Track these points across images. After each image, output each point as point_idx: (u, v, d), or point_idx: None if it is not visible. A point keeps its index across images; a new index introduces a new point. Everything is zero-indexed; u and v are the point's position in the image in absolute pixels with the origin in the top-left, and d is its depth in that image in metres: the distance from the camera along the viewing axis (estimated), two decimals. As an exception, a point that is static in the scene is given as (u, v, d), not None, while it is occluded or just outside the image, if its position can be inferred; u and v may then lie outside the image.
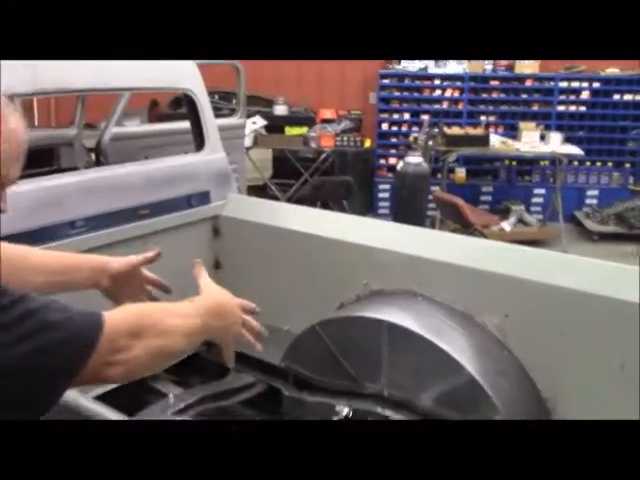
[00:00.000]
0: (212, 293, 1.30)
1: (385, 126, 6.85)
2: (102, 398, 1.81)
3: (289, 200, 5.94)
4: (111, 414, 1.31)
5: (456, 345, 1.77)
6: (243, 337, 1.34)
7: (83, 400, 1.36)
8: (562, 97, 6.65)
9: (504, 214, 6.07)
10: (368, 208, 6.72)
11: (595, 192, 6.74)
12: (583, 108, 6.67)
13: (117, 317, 1.01)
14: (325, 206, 6.09)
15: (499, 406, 1.67)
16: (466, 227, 5.16)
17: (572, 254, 5.43)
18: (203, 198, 2.38)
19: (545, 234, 6.03)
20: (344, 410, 1.88)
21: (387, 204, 6.74)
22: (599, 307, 1.70)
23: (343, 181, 5.94)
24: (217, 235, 2.48)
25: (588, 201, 6.72)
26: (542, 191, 6.69)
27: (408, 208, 4.11)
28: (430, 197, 5.34)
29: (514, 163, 6.79)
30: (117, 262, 1.39)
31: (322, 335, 1.95)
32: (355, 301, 2.11)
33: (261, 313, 2.43)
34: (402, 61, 6.71)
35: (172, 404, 1.93)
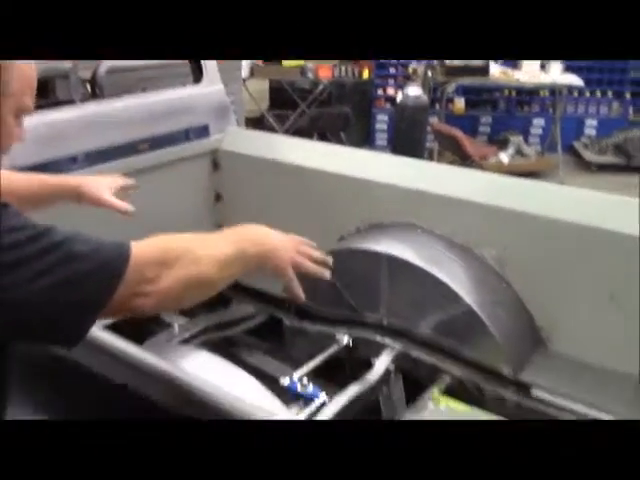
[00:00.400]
0: (245, 226, 1.25)
1: (383, 55, 6.70)
2: (111, 328, 1.86)
3: (286, 132, 5.89)
4: (120, 343, 1.35)
5: (455, 276, 1.81)
6: (301, 265, 1.29)
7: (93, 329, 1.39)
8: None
9: (502, 145, 6.04)
10: (365, 139, 6.66)
11: (594, 122, 6.68)
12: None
13: (144, 247, 0.99)
14: (322, 137, 6.05)
15: (496, 335, 1.72)
16: (464, 159, 5.15)
17: (569, 185, 5.46)
18: (202, 131, 2.37)
19: (543, 165, 6.01)
20: (344, 339, 1.94)
21: (385, 135, 6.69)
22: (594, 239, 1.72)
23: (341, 112, 5.88)
24: (217, 168, 2.48)
25: (587, 131, 6.67)
26: (541, 121, 6.62)
27: (407, 140, 4.08)
28: (428, 129, 5.30)
29: (513, 93, 6.70)
30: (89, 193, 1.45)
31: (323, 267, 1.98)
32: (355, 234, 2.13)
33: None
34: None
35: (177, 333, 1.99)
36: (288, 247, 1.28)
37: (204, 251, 1.07)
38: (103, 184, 1.48)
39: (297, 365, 2.13)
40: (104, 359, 1.35)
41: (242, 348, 2.21)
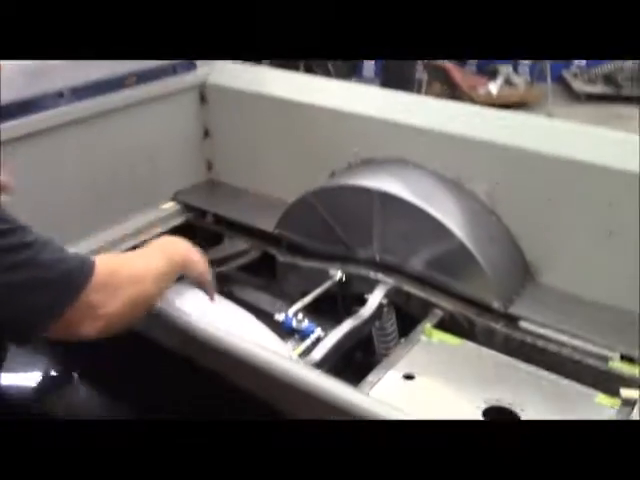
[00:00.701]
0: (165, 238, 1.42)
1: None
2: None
3: (272, 62, 5.74)
4: None
5: (446, 212, 1.81)
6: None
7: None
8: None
9: (492, 76, 5.96)
10: (353, 70, 6.54)
11: (584, 51, 6.58)
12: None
13: (99, 269, 1.00)
14: (309, 69, 5.93)
15: (487, 270, 1.75)
16: (453, 90, 5.09)
17: (558, 116, 5.44)
18: (189, 65, 2.31)
19: (532, 95, 5.95)
20: (337, 275, 1.96)
21: (372, 67, 6.57)
22: (589, 175, 1.73)
23: (327, 42, 5.72)
24: (204, 103, 2.44)
25: (576, 61, 6.58)
26: (531, 51, 6.52)
27: (397, 72, 4.01)
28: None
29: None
30: None
31: (314, 203, 1.98)
32: (346, 169, 2.12)
33: (252, 180, 2.47)
34: None
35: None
36: (200, 256, 1.44)
37: (144, 270, 1.12)
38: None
39: (289, 301, 2.17)
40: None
41: (235, 284, 2.24)
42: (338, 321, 2.03)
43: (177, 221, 2.38)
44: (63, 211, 2.02)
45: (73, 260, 0.96)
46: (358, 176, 1.97)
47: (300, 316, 1.74)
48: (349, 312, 2.08)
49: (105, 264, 1.04)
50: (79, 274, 0.95)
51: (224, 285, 2.19)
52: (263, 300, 2.15)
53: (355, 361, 1.89)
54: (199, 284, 1.43)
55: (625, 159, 1.67)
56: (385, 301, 1.82)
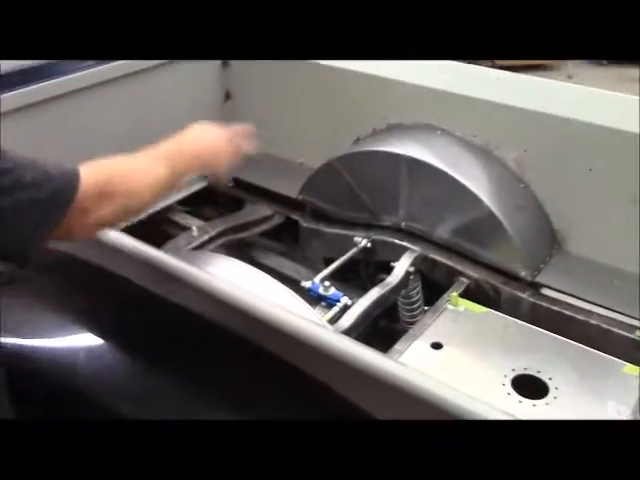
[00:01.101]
0: (187, 134, 1.31)
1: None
2: (127, 231, 1.87)
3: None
4: (140, 245, 1.34)
5: (475, 179, 1.80)
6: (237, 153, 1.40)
7: (111, 233, 1.39)
8: None
9: (511, 36, 5.83)
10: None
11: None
12: None
13: (89, 178, 1.01)
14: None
15: (515, 238, 1.74)
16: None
17: (578, 78, 5.34)
18: (212, 26, 2.27)
19: (552, 57, 5.83)
20: (362, 241, 1.95)
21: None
22: (618, 141, 1.70)
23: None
24: (226, 66, 2.40)
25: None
26: (552, 10, 6.37)
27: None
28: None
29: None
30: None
31: (340, 169, 1.97)
32: (372, 135, 2.09)
33: (274, 145, 2.44)
34: None
35: (196, 236, 1.99)
36: (222, 147, 1.36)
37: (139, 179, 1.11)
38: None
39: (312, 267, 2.17)
40: (127, 263, 1.34)
41: (257, 250, 2.23)
42: (362, 288, 2.04)
43: (198, 186, 2.37)
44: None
45: (61, 176, 0.98)
46: (385, 142, 1.95)
47: (327, 283, 1.74)
48: (372, 279, 2.09)
49: (99, 172, 1.06)
50: (67, 189, 0.97)
51: (247, 250, 2.20)
52: (286, 266, 2.15)
53: (379, 328, 1.89)
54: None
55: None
56: (412, 269, 1.81)
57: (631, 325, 1.64)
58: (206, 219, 2.32)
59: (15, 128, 1.48)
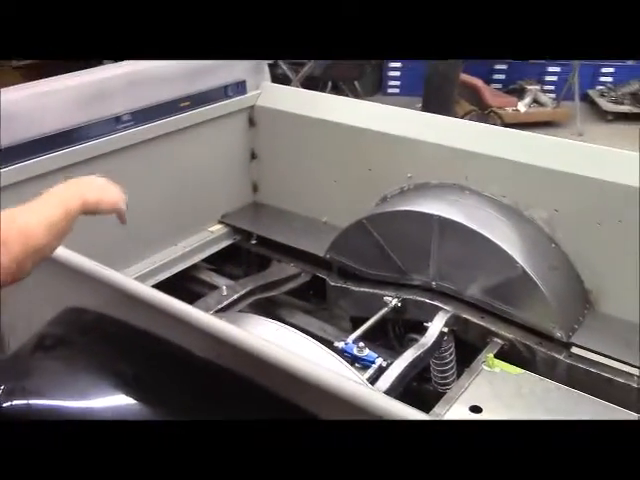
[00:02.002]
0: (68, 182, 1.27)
1: None
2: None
3: (300, 80, 5.77)
4: (174, 302, 1.33)
5: (506, 238, 1.80)
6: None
7: (143, 287, 1.38)
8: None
9: (519, 94, 5.94)
10: (377, 87, 6.55)
11: (610, 70, 6.56)
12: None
13: None
14: (335, 87, 5.94)
15: (549, 298, 1.73)
16: (483, 109, 5.08)
17: (588, 135, 5.41)
18: (240, 87, 2.32)
19: (560, 115, 5.92)
20: (392, 300, 1.94)
21: (397, 83, 6.57)
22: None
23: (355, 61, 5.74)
24: (252, 125, 2.44)
25: (602, 79, 6.56)
26: (556, 69, 6.50)
27: (438, 95, 3.99)
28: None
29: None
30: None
31: (370, 228, 1.97)
32: (399, 194, 2.11)
33: (298, 204, 2.46)
34: None
35: (226, 295, 1.99)
36: (110, 187, 1.31)
37: (35, 223, 1.09)
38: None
39: (338, 326, 2.16)
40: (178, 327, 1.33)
41: (285, 309, 2.22)
42: (390, 348, 2.02)
43: (224, 244, 2.38)
44: (116, 235, 2.02)
45: None
46: (414, 201, 1.96)
47: (361, 344, 1.72)
48: (400, 339, 2.08)
49: None
50: None
51: (274, 309, 2.19)
52: (312, 324, 2.13)
53: (411, 390, 1.86)
54: (115, 214, 1.37)
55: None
56: (445, 329, 1.80)
57: (671, 387, 1.62)
58: (232, 277, 2.33)
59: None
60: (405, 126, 2.13)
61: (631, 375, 1.64)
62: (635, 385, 1.62)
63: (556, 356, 1.72)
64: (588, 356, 1.72)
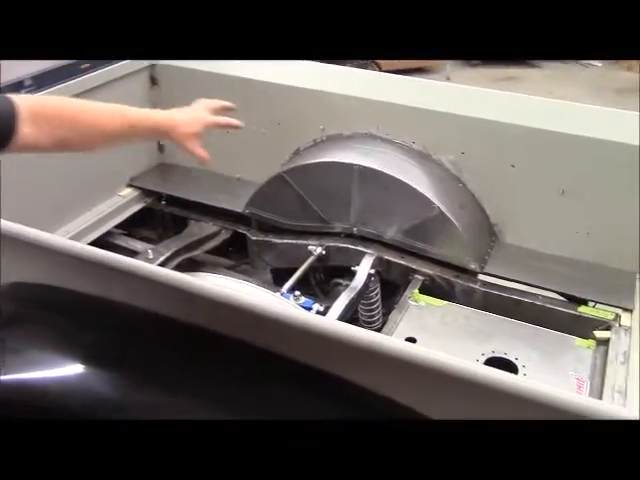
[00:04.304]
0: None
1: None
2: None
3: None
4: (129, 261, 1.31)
5: (421, 182, 1.92)
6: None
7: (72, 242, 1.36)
8: None
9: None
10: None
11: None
12: None
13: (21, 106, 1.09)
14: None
15: (464, 235, 1.88)
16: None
17: (456, 79, 5.71)
18: (139, 46, 2.24)
19: (432, 61, 6.19)
20: (317, 249, 2.02)
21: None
22: (545, 140, 1.89)
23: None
24: (154, 84, 2.38)
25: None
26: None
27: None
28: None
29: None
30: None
31: (290, 181, 2.02)
32: (313, 146, 2.17)
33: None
34: None
35: (152, 258, 1.98)
36: (191, 123, 1.46)
37: (90, 122, 1.23)
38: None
39: (261, 279, 2.22)
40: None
41: (205, 267, 2.24)
42: (312, 294, 2.11)
43: (137, 207, 2.34)
44: (26, 205, 1.93)
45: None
46: (331, 153, 2.03)
47: (297, 292, 1.79)
48: (321, 285, 2.18)
49: (49, 105, 1.18)
50: (7, 118, 1.07)
51: (198, 268, 2.20)
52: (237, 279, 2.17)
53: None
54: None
55: (570, 124, 1.85)
56: (372, 271, 1.91)
57: (570, 302, 1.84)
58: (149, 241, 2.30)
59: None
60: (312, 79, 2.18)
61: (535, 295, 1.85)
62: (540, 303, 1.82)
63: (472, 286, 1.89)
64: (499, 283, 1.90)
